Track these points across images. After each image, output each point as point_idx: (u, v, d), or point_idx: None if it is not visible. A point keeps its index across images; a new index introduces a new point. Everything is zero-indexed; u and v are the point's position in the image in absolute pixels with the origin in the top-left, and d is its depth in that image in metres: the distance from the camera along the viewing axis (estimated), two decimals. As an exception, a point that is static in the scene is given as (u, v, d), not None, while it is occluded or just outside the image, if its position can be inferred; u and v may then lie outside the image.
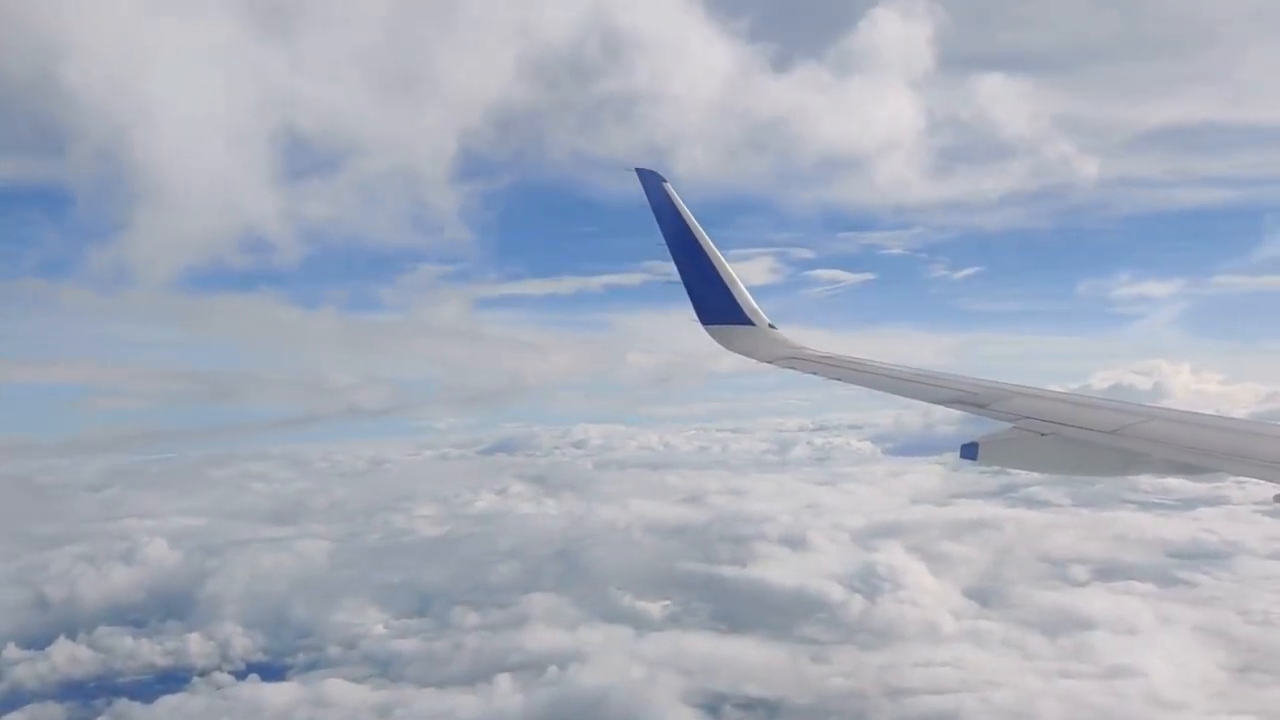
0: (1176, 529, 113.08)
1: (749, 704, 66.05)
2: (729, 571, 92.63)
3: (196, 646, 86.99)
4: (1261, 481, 6.86)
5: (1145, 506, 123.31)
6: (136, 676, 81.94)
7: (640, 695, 65.03)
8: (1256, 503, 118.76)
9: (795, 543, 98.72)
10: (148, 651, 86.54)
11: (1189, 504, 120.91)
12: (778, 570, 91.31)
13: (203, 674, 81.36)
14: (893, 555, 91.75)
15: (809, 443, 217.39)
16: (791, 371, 12.73)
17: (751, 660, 71.72)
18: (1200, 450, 7.64)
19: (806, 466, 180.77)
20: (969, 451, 8.53)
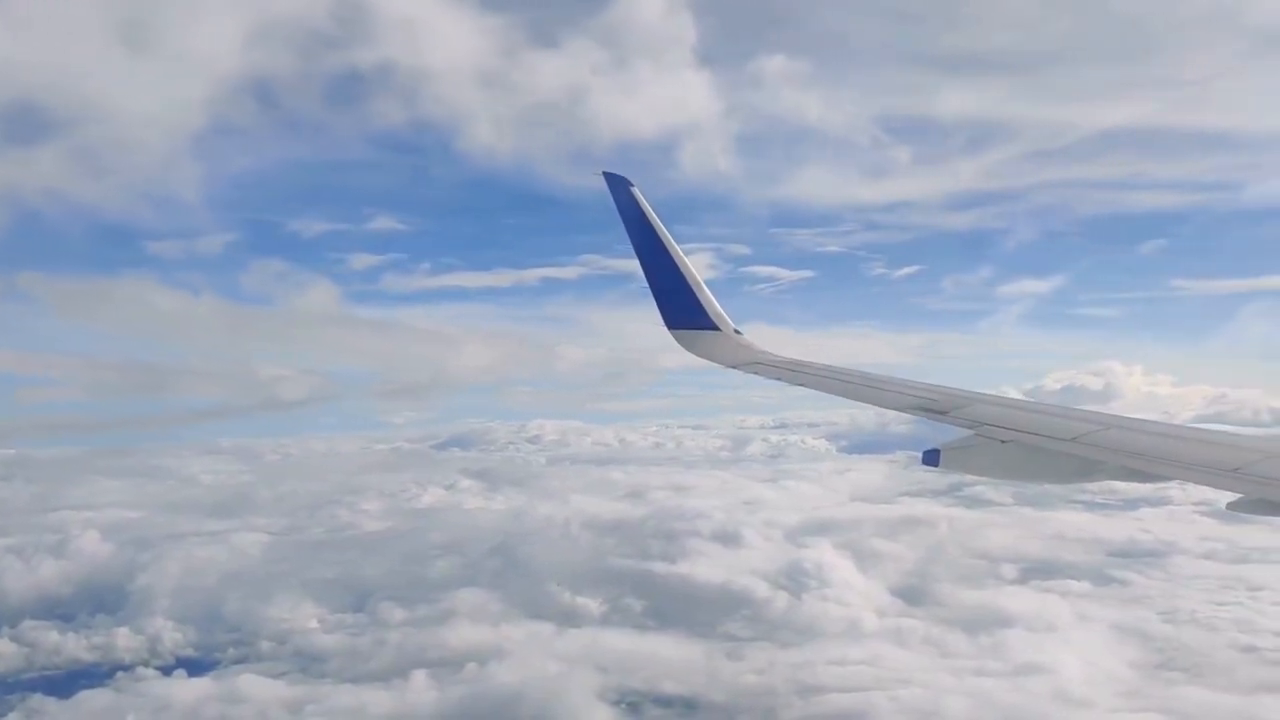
0: (1117, 529, 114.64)
1: (665, 701, 66.12)
2: (658, 567, 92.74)
3: (124, 641, 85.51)
4: (1211, 488, 7.08)
5: (1091, 506, 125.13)
6: (58, 671, 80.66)
7: (556, 692, 64.87)
8: (1196, 503, 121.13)
9: (728, 539, 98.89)
10: (73, 646, 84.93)
11: (1132, 504, 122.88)
12: (706, 567, 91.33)
13: (127, 669, 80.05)
14: (822, 553, 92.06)
15: (765, 440, 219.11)
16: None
17: (670, 657, 71.78)
18: (1154, 458, 7.86)
19: (757, 464, 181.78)
20: (931, 458, 8.70)
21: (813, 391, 11.73)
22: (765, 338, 14.19)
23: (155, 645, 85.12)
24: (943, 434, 9.10)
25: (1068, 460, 8.30)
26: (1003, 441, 8.68)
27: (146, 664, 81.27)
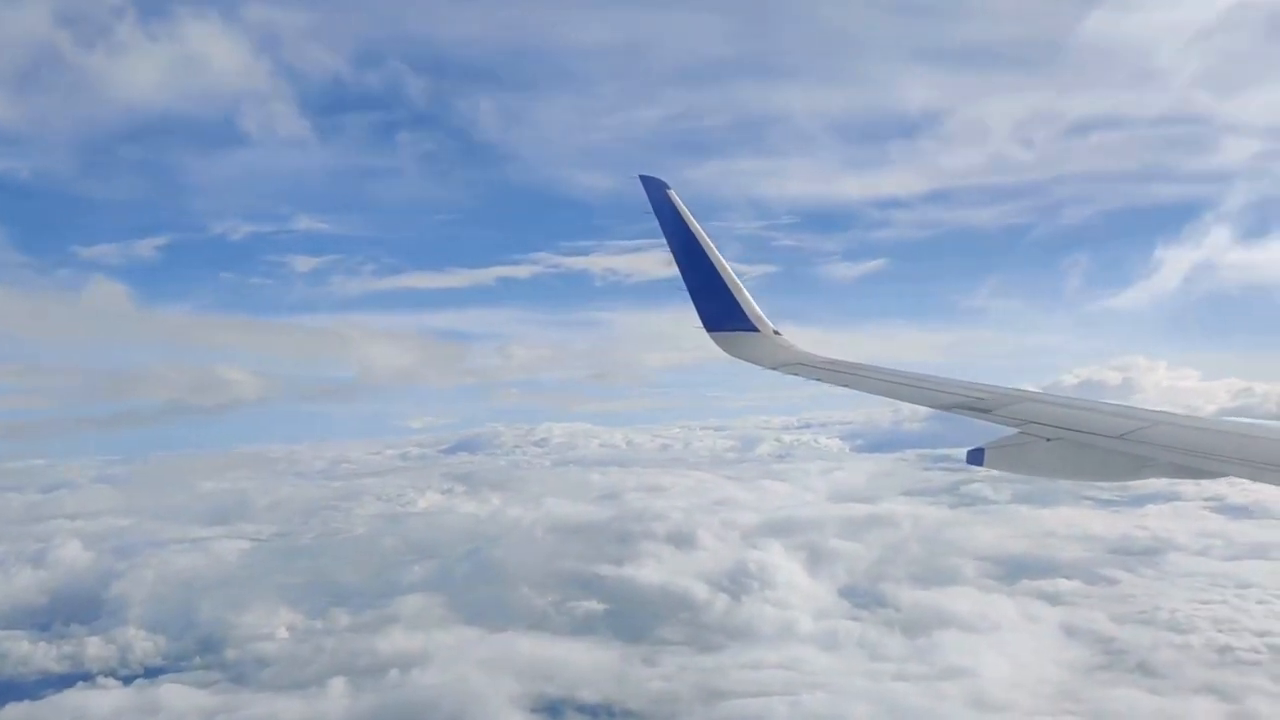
0: (1118, 525, 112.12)
1: (582, 708, 65.38)
2: (606, 570, 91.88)
3: (95, 650, 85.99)
4: (1267, 485, 6.97)
5: (1100, 504, 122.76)
6: (21, 681, 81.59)
7: (471, 699, 64.45)
8: (1207, 499, 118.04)
9: (682, 541, 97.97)
10: (43, 656, 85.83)
11: (1141, 501, 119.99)
12: (653, 569, 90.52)
13: (89, 678, 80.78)
14: (773, 554, 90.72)
15: (777, 439, 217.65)
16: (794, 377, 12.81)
17: (595, 662, 71.01)
18: (1207, 454, 7.65)
19: (758, 464, 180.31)
20: (975, 457, 8.57)
21: (849, 391, 11.76)
22: (799, 340, 14.23)
23: (125, 654, 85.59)
24: (962, 431, 9.02)
25: (1116, 458, 8.10)
26: (1048, 440, 8.53)
27: (114, 673, 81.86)
